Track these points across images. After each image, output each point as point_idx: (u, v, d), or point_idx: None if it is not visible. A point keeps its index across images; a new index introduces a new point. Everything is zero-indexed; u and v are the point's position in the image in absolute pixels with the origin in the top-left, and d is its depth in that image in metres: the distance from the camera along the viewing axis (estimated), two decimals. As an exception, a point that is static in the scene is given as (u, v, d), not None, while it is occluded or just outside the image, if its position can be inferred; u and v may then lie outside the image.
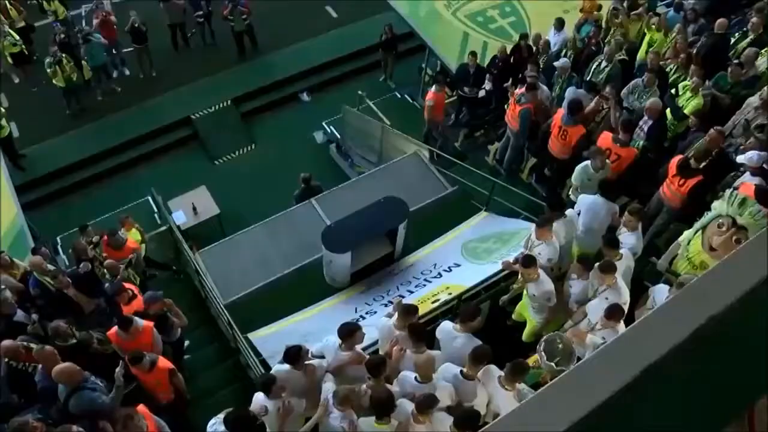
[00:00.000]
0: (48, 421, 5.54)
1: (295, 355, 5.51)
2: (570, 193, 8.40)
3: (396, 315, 5.93)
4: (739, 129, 7.99)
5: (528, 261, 6.27)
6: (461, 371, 5.26)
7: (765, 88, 7.90)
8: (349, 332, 5.57)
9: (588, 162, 7.91)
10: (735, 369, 1.94)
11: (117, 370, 6.01)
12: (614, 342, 1.82)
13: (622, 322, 5.71)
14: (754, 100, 7.94)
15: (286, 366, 5.59)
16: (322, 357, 5.80)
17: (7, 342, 6.34)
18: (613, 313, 5.65)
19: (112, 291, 7.40)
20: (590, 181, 7.83)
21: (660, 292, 6.01)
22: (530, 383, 5.43)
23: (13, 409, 5.83)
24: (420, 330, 5.55)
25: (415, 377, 5.21)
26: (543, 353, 5.50)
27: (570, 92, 9.30)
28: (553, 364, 5.44)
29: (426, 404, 4.80)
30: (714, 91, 8.63)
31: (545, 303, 6.38)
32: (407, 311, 5.83)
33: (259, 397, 5.39)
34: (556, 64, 10.03)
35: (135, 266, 8.51)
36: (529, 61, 10.69)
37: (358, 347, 5.66)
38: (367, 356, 5.67)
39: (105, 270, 8.07)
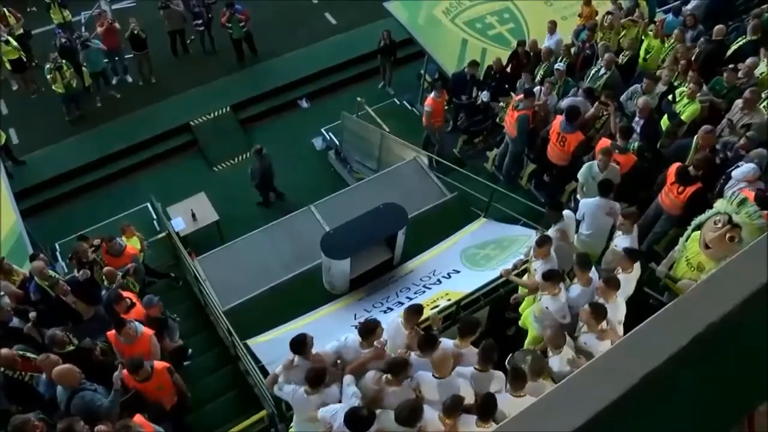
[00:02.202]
0: (49, 422, 5.55)
1: (299, 343, 5.53)
2: (577, 191, 8.46)
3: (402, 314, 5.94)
4: (726, 131, 8.07)
5: (550, 275, 6.16)
6: (474, 367, 5.32)
7: (748, 89, 7.95)
8: (371, 330, 5.56)
9: (594, 161, 7.95)
10: (734, 376, 1.94)
11: (115, 374, 6.01)
12: (614, 349, 1.82)
13: (605, 324, 5.71)
14: (740, 102, 8.05)
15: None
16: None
17: (3, 351, 6.33)
18: (596, 312, 5.64)
19: (109, 299, 7.39)
20: (594, 180, 7.86)
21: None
22: None
23: (12, 416, 5.80)
24: (432, 341, 5.54)
25: (433, 373, 5.21)
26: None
27: (568, 100, 9.34)
28: None
29: (453, 407, 4.80)
30: (711, 97, 8.66)
31: (559, 319, 6.20)
32: (412, 312, 5.85)
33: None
34: (555, 66, 10.08)
35: (135, 273, 8.49)
36: (524, 69, 10.76)
37: (377, 342, 5.66)
38: (387, 351, 5.68)
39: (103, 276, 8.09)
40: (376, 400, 5.15)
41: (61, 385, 5.87)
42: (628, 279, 6.21)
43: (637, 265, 6.36)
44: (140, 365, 6.15)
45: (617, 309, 5.89)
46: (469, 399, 5.12)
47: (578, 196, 8.24)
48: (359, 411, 4.71)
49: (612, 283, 5.89)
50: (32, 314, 7.25)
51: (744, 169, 6.97)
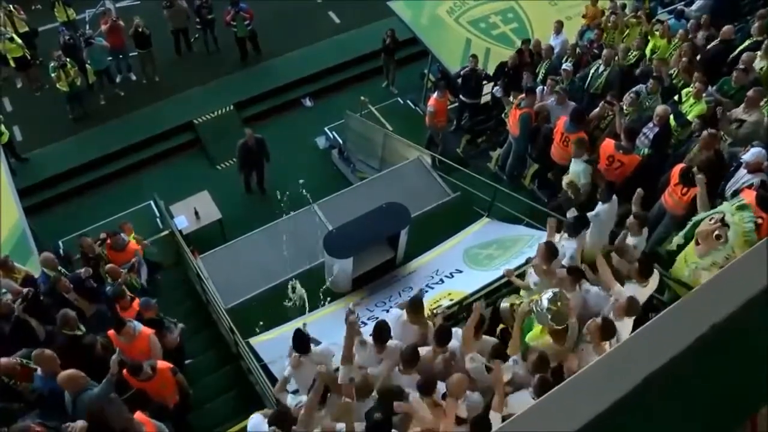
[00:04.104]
0: (47, 425, 5.52)
1: (301, 341, 5.61)
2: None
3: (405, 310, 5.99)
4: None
5: (573, 270, 6.16)
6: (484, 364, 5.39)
7: (752, 89, 7.93)
8: (387, 336, 5.60)
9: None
10: (737, 378, 1.93)
11: (113, 358, 6.00)
12: (617, 350, 1.82)
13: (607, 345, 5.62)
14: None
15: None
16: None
17: (3, 360, 6.29)
18: (605, 330, 5.48)
19: (112, 293, 7.40)
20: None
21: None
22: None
23: (12, 414, 5.80)
24: (446, 336, 5.55)
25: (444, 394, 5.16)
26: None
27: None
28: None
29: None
30: (718, 97, 8.61)
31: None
32: (416, 305, 5.92)
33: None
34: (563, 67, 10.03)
35: (138, 270, 8.50)
36: (526, 68, 10.74)
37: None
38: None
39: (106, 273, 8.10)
40: None
41: (67, 391, 5.87)
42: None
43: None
44: (140, 368, 6.18)
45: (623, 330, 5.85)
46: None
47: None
48: (373, 416, 4.70)
49: (633, 308, 5.76)
50: (26, 290, 7.24)
51: (753, 151, 6.95)
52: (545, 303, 5.40)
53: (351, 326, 5.53)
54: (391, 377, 5.42)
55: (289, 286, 7.97)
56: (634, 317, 5.74)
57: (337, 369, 5.94)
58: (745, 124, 7.83)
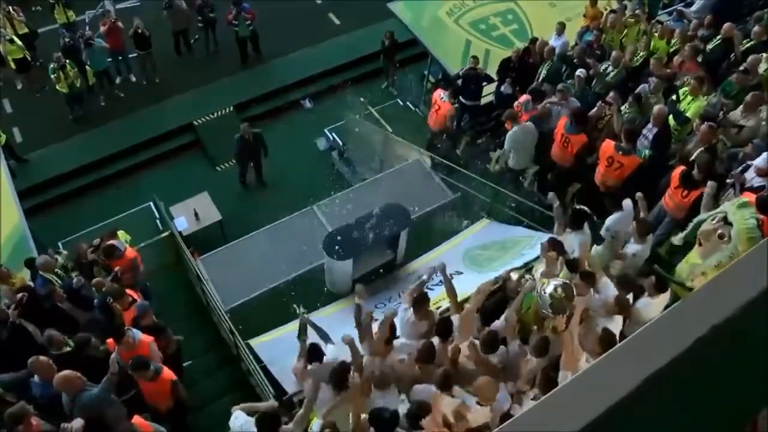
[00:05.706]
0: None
1: (317, 353, 5.63)
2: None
3: (411, 308, 6.07)
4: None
5: (585, 275, 6.10)
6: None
7: (750, 93, 7.92)
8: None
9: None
10: (737, 380, 1.93)
11: (112, 356, 5.98)
12: (617, 350, 1.81)
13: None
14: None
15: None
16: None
17: None
18: (606, 340, 5.50)
19: (104, 299, 7.33)
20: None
21: None
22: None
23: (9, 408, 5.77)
24: (448, 330, 5.63)
25: (477, 401, 5.14)
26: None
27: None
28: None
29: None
30: (722, 99, 8.57)
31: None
32: (420, 301, 6.07)
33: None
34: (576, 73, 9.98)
35: (133, 276, 8.43)
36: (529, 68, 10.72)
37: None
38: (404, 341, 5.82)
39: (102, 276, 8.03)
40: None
41: (64, 392, 5.86)
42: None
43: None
44: (146, 365, 6.19)
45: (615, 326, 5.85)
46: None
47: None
48: (382, 413, 4.71)
49: (622, 306, 5.85)
50: (19, 295, 7.18)
51: (765, 156, 6.92)
52: (550, 289, 5.32)
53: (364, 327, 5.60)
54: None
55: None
56: (622, 316, 5.83)
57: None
58: (744, 129, 7.83)
